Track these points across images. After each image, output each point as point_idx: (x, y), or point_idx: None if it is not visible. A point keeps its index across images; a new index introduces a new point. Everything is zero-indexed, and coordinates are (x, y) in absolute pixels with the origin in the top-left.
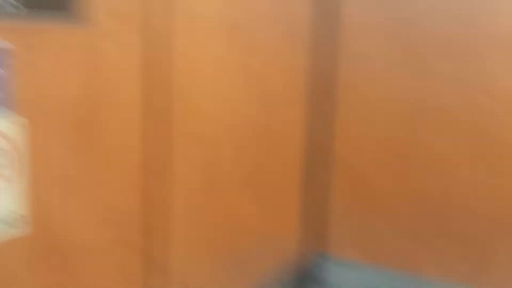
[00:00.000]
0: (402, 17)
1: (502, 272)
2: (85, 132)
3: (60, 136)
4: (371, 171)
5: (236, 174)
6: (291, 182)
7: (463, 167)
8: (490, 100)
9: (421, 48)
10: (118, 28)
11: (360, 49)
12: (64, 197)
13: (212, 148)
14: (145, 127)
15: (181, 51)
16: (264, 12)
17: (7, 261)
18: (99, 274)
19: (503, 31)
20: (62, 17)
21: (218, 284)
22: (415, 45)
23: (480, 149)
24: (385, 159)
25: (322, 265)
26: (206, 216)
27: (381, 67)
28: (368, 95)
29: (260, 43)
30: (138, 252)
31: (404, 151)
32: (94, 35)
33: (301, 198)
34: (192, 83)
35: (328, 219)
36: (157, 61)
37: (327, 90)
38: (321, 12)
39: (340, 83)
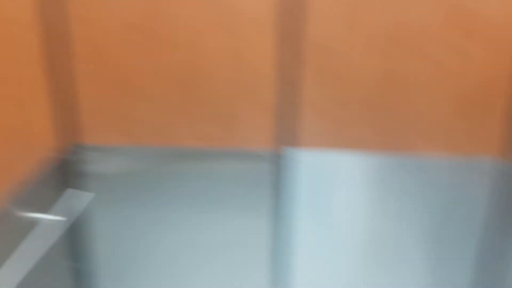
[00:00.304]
0: None
1: (245, 129)
2: None
3: None
4: (115, 50)
5: None
6: (34, 72)
7: (206, 36)
8: None
9: None
10: None
11: None
12: None
13: None
14: None
15: None
16: None
17: None
18: None
19: None
20: None
21: None
22: None
23: (220, 18)
24: (128, 35)
25: (81, 155)
26: None
27: None
28: None
29: None
30: None
31: (146, 24)
32: None
33: (48, 88)
34: None
35: (79, 107)
36: None
37: None
38: None
39: None
